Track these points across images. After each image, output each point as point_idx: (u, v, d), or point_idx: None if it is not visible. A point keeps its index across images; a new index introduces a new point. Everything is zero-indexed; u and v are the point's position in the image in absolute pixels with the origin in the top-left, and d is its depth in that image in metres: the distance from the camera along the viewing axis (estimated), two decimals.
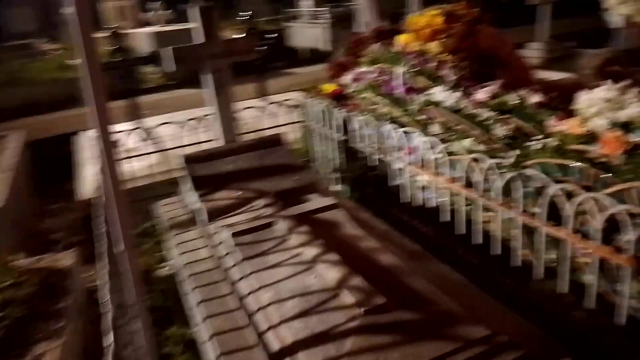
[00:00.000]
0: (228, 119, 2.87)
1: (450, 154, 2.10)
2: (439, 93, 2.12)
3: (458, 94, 2.09)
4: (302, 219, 2.13)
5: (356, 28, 8.20)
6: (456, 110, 2.03)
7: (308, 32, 10.84)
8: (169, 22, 9.42)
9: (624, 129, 1.47)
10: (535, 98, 1.85)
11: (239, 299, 1.84)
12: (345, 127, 2.82)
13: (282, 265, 1.84)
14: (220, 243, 2.15)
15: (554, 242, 1.78)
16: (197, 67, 2.72)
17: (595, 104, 1.55)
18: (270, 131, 3.72)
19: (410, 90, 2.33)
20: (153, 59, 6.36)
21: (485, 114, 1.93)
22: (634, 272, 1.54)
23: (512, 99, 1.88)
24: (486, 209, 2.01)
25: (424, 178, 2.35)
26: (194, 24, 2.61)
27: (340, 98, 2.93)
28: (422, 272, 1.79)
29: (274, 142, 2.82)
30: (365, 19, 7.96)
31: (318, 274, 1.76)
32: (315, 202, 2.30)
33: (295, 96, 4.88)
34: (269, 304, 1.67)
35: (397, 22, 3.50)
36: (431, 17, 2.78)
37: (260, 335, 1.62)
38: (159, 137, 4.20)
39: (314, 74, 7.05)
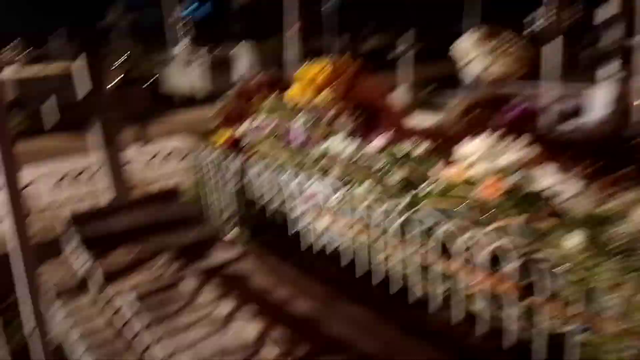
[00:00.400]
0: (118, 171, 2.75)
1: (349, 198, 2.24)
2: (337, 143, 2.27)
3: (354, 143, 2.25)
4: (209, 273, 2.11)
5: (235, 72, 8.35)
6: (353, 159, 2.19)
7: (184, 75, 10.73)
8: (35, 60, 8.73)
9: (502, 174, 1.72)
10: (423, 146, 2.07)
11: None
12: (242, 175, 2.85)
13: (197, 326, 1.80)
14: (121, 307, 2.03)
15: (448, 276, 1.97)
16: (85, 118, 2.59)
17: (476, 152, 1.80)
18: (159, 181, 3.61)
19: (308, 140, 2.46)
20: (17, 103, 5.84)
21: (379, 161, 2.11)
22: (518, 298, 1.76)
23: (404, 147, 2.09)
24: (385, 248, 2.17)
25: (323, 223, 2.45)
26: (77, 69, 2.49)
27: (235, 147, 2.96)
28: (336, 315, 1.87)
29: (168, 195, 2.75)
30: (244, 64, 8.14)
31: (235, 331, 1.75)
32: (220, 254, 2.28)
33: (178, 142, 4.79)
34: None
35: (280, 70, 3.66)
36: (319, 68, 2.97)
37: None
38: (32, 193, 3.84)
39: (194, 117, 6.99)
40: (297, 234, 2.62)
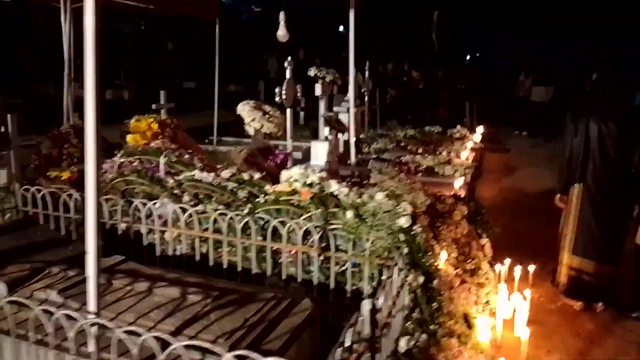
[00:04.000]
0: None
1: (201, 213, 3.26)
2: (198, 173, 3.26)
3: (210, 173, 3.30)
4: (108, 271, 2.78)
5: None
6: (211, 183, 3.23)
7: None
8: None
9: (309, 186, 3.08)
10: (257, 175, 3.29)
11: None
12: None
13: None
14: (45, 301, 2.53)
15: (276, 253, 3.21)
16: None
17: (292, 175, 3.12)
18: None
19: (168, 173, 3.35)
20: None
21: (230, 184, 3.23)
22: (318, 255, 3.12)
23: (245, 175, 3.26)
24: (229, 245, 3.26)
25: (173, 234, 3.36)
26: None
27: (79, 182, 3.56)
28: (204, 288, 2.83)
29: (30, 222, 3.18)
30: None
31: (158, 295, 2.57)
32: (105, 260, 2.94)
33: None
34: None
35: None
36: (147, 122, 3.88)
37: None
38: None
39: None
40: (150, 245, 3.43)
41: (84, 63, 1.92)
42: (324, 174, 3.18)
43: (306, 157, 6.66)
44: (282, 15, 3.97)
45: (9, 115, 5.53)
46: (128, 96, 11.80)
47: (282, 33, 4.01)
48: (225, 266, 3.30)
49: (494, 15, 18.65)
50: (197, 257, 3.35)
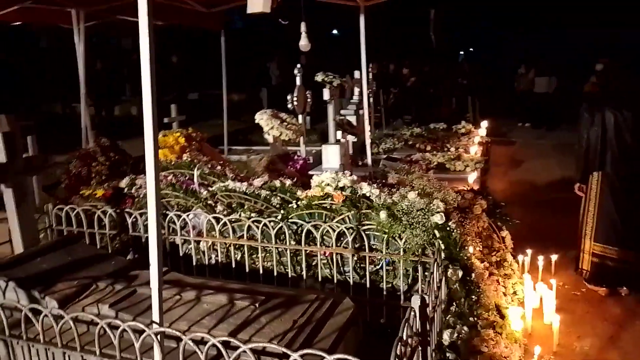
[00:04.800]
0: (28, 228, 3.12)
1: (235, 221, 3.35)
2: (231, 183, 3.35)
3: (243, 183, 3.39)
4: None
5: None
6: (245, 192, 3.32)
7: None
8: None
9: (341, 189, 3.17)
10: (288, 181, 3.38)
11: None
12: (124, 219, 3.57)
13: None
14: (99, 315, 2.62)
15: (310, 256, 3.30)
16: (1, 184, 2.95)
17: (324, 179, 3.21)
18: None
19: (201, 184, 3.45)
20: None
21: (263, 192, 3.32)
22: (352, 256, 3.21)
23: (276, 183, 3.35)
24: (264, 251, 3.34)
25: (208, 243, 3.45)
26: None
27: (114, 198, 3.65)
28: (249, 293, 2.92)
29: (72, 240, 3.27)
30: None
31: (207, 302, 2.66)
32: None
33: None
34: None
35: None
36: (174, 137, 3.97)
37: None
38: None
39: None
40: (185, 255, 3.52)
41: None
42: (354, 177, 3.27)
43: (317, 161, 6.76)
44: (303, 26, 4.08)
45: (28, 138, 5.63)
46: (136, 111, 11.92)
47: (304, 43, 4.11)
48: (261, 272, 3.39)
49: (490, 11, 18.83)
50: (233, 265, 3.44)
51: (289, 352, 1.89)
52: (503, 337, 3.22)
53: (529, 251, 4.40)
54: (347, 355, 2.59)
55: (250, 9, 2.55)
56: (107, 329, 2.17)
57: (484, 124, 10.34)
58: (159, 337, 2.12)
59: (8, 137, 2.98)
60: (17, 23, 7.07)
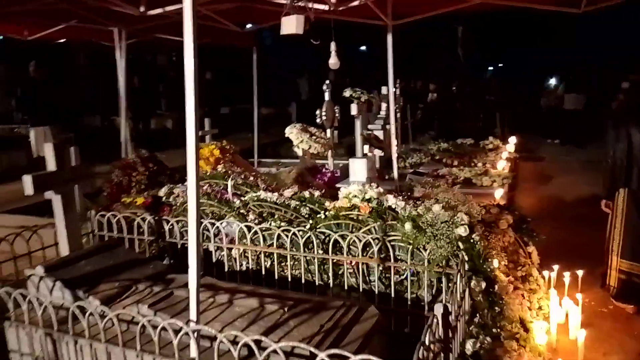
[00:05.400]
0: (74, 232, 3.35)
1: (265, 230, 3.50)
2: (263, 193, 3.51)
3: (274, 193, 3.55)
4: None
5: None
6: (275, 202, 3.48)
7: None
8: None
9: (368, 201, 3.29)
10: (317, 192, 3.53)
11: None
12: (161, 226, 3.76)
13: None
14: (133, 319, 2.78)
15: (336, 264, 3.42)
16: (51, 190, 3.18)
17: (351, 191, 3.34)
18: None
19: (235, 194, 3.62)
20: None
21: (293, 202, 3.47)
22: (378, 265, 3.31)
23: (305, 194, 3.50)
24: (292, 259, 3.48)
25: (239, 250, 3.61)
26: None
27: (153, 207, 3.86)
28: (279, 298, 3.05)
29: (113, 245, 3.48)
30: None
31: (239, 305, 2.80)
32: (185, 276, 3.20)
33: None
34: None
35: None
36: (209, 149, 4.17)
37: None
38: None
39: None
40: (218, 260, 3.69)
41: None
42: (381, 190, 3.39)
43: (344, 174, 6.90)
44: (333, 45, 4.27)
45: (71, 149, 5.94)
46: (171, 125, 12.35)
47: (333, 61, 4.29)
48: (289, 279, 3.52)
49: (517, 28, 18.80)
50: (263, 272, 3.59)
51: (316, 352, 2.01)
52: (527, 350, 3.26)
53: (555, 266, 4.41)
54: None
55: (284, 31, 2.72)
56: (148, 326, 2.33)
57: (512, 139, 10.32)
58: (195, 334, 2.27)
59: (58, 148, 3.22)
60: (61, 40, 7.49)
